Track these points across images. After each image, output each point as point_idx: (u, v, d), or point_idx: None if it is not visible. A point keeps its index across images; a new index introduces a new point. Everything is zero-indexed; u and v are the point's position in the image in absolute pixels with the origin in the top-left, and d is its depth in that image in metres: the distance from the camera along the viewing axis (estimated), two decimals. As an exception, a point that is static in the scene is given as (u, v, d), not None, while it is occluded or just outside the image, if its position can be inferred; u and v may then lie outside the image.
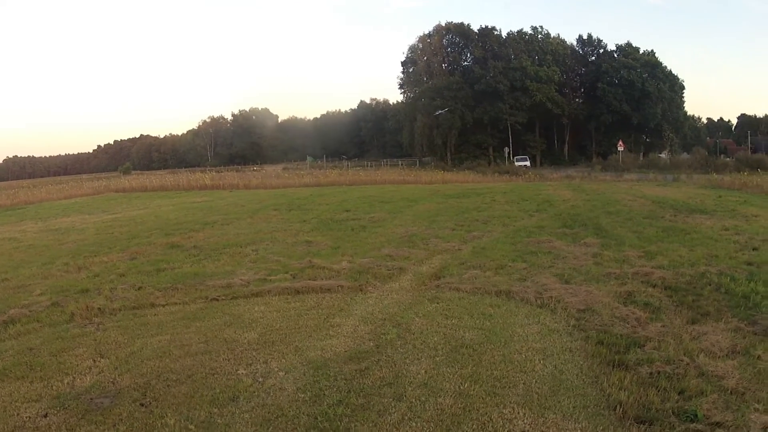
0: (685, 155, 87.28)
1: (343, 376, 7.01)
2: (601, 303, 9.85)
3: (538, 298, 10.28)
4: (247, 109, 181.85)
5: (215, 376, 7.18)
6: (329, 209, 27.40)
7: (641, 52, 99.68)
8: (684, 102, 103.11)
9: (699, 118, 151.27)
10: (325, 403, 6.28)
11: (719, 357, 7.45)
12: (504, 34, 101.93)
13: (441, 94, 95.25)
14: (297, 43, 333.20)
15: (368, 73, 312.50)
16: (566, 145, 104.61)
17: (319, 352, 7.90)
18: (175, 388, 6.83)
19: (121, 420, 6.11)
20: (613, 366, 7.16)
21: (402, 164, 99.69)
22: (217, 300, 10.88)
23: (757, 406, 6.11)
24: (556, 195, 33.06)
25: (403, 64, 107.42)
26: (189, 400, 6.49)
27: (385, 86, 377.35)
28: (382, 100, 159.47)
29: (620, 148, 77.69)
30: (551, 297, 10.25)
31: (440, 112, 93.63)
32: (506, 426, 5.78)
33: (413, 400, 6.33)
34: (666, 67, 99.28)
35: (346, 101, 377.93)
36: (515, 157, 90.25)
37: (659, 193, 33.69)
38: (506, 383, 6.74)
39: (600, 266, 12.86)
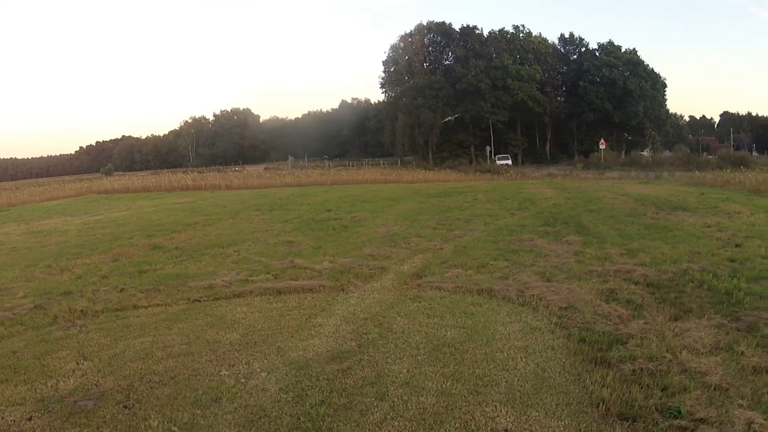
0: (667, 153, 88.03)
1: (325, 376, 7.00)
2: (583, 301, 9.88)
3: (519, 296, 10.29)
4: (229, 110, 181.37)
5: (198, 377, 7.16)
6: (311, 209, 27.40)
7: (623, 50, 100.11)
8: (666, 100, 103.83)
9: (681, 116, 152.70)
10: (308, 404, 6.28)
11: (702, 353, 7.48)
12: (486, 33, 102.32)
13: (422, 93, 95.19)
14: (278, 43, 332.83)
15: (350, 73, 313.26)
16: (548, 144, 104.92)
17: (301, 352, 7.89)
18: (158, 390, 6.81)
19: (105, 422, 6.09)
20: (596, 363, 7.18)
21: (383, 164, 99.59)
22: (199, 301, 10.85)
23: (741, 402, 6.14)
24: (538, 193, 33.17)
25: (385, 63, 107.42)
26: (172, 402, 6.47)
27: (367, 86, 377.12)
28: (363, 99, 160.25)
29: (602, 146, 78.02)
30: (533, 295, 10.27)
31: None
32: (489, 424, 5.78)
33: (395, 400, 6.32)
34: (648, 65, 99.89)
35: (327, 101, 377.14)
36: (497, 156, 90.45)
37: (641, 190, 33.89)
38: (488, 381, 6.74)
39: (582, 264, 12.90)
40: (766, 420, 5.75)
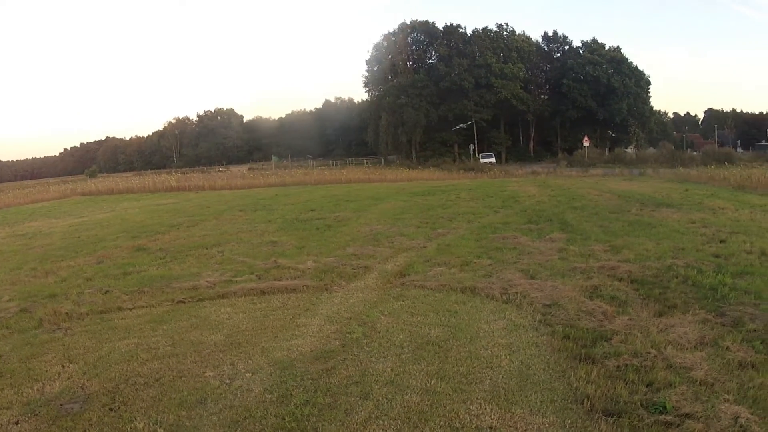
0: (651, 150, 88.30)
1: (309, 376, 7.00)
2: (567, 298, 9.91)
3: (503, 293, 10.31)
4: (213, 110, 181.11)
5: (183, 378, 7.13)
6: (294, 209, 27.40)
7: (607, 48, 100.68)
8: (650, 97, 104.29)
9: (665, 113, 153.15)
10: (293, 403, 6.27)
11: (687, 349, 7.51)
12: (469, 31, 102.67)
13: (406, 92, 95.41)
14: (262, 42, 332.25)
15: (333, 73, 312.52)
16: (532, 142, 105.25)
17: (285, 352, 7.89)
18: (144, 392, 6.78)
19: (91, 425, 6.08)
20: (580, 360, 7.19)
21: (367, 163, 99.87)
22: (184, 302, 10.82)
23: (726, 396, 6.16)
24: (522, 191, 33.30)
25: (368, 62, 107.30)
26: (157, 404, 6.45)
27: (350, 85, 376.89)
28: (347, 98, 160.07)
29: (586, 144, 78.41)
30: (517, 292, 10.29)
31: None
32: (473, 422, 5.79)
33: (380, 398, 6.33)
34: (632, 62, 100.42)
35: (311, 100, 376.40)
36: (480, 154, 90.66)
37: (625, 187, 34.10)
38: (473, 379, 6.75)
39: (565, 261, 12.95)
40: (752, 414, 5.77)
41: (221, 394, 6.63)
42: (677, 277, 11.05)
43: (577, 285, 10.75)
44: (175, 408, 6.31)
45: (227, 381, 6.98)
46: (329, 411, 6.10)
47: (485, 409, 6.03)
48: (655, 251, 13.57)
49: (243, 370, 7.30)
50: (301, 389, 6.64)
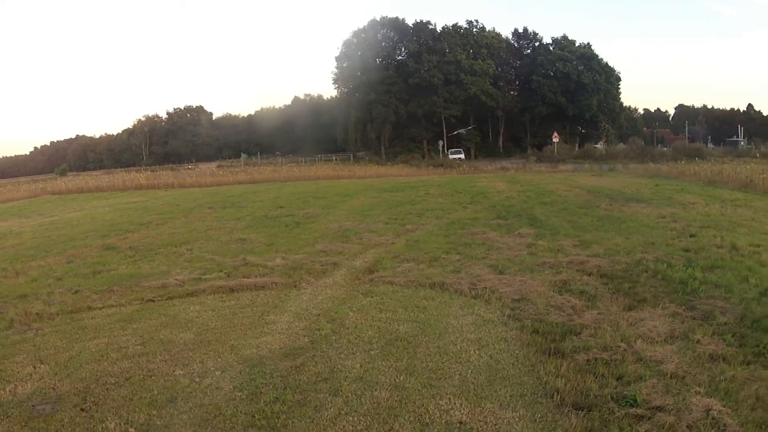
0: (621, 145, 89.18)
1: (278, 373, 6.97)
2: (535, 292, 9.96)
3: (472, 289, 10.34)
4: (182, 107, 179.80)
5: (153, 377, 7.07)
6: (263, 206, 27.26)
7: (577, 45, 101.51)
8: (620, 93, 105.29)
9: (636, 109, 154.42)
10: (262, 401, 6.25)
11: (657, 342, 7.57)
12: (439, 28, 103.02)
13: (375, 89, 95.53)
14: (231, 39, 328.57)
15: (303, 69, 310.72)
16: (501, 138, 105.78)
17: (254, 349, 7.85)
18: (114, 392, 6.71)
19: (63, 426, 6.01)
20: (549, 354, 7.23)
21: (336, 159, 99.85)
22: (153, 301, 10.73)
23: (698, 389, 6.21)
24: (491, 187, 33.47)
25: (338, 59, 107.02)
26: (128, 403, 6.38)
27: (320, 82, 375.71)
28: (316, 95, 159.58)
29: (555, 140, 78.95)
30: (485, 288, 10.32)
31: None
32: (443, 417, 5.79)
33: (349, 395, 6.32)
34: (602, 59, 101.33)
35: (280, 97, 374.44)
36: (450, 150, 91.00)
37: (595, 182, 34.43)
38: (442, 375, 6.76)
39: (534, 256, 13.01)
40: (724, 407, 5.82)
41: (191, 392, 6.58)
42: (647, 272, 11.16)
43: (546, 280, 10.81)
44: (146, 407, 6.26)
45: (197, 379, 6.93)
46: (299, 408, 6.07)
47: (455, 404, 6.04)
48: (624, 246, 13.69)
49: (212, 368, 7.25)
50: (271, 387, 6.61)
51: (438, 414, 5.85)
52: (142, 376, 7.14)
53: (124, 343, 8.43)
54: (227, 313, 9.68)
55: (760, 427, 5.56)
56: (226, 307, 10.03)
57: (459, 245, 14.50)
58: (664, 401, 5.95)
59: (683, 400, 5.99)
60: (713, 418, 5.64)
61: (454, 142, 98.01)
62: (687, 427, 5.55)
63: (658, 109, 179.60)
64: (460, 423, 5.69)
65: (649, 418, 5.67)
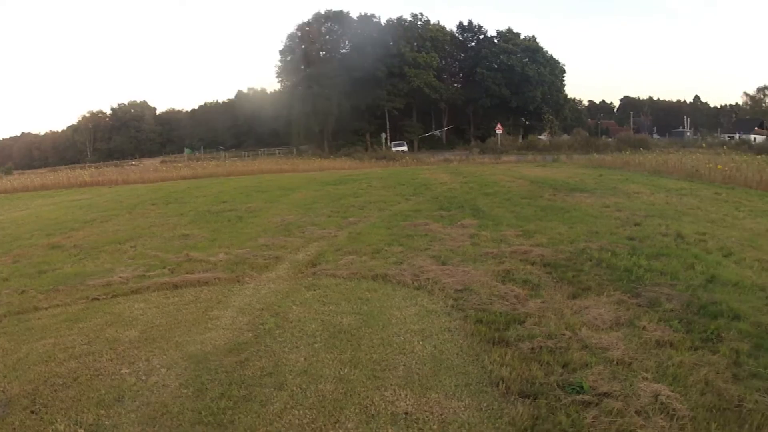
0: (565, 137, 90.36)
1: (224, 369, 6.91)
2: (479, 282, 9.96)
3: (414, 280, 10.31)
4: (126, 103, 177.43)
5: (100, 377, 6.93)
6: (206, 201, 26.93)
7: (522, 37, 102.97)
8: (564, 85, 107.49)
9: (580, 101, 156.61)
10: (208, 397, 6.18)
11: (603, 329, 7.62)
12: (383, 21, 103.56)
13: (318, 82, 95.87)
14: (174, 31, 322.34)
15: (247, 63, 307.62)
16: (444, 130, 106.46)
17: (199, 346, 7.75)
18: (63, 393, 6.56)
19: (14, 429, 5.86)
20: (494, 343, 7.23)
21: (279, 153, 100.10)
22: (98, 299, 10.47)
23: (645, 375, 6.26)
24: (433, 178, 33.59)
25: (281, 52, 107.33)
26: (77, 404, 6.25)
27: (264, 75, 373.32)
28: (259, 89, 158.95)
29: (499, 131, 79.70)
30: (428, 279, 10.30)
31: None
32: (389, 408, 5.79)
33: (294, 389, 6.27)
34: (547, 51, 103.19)
35: (223, 91, 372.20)
36: (393, 143, 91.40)
37: (538, 173, 34.72)
38: (386, 366, 6.75)
39: (477, 246, 13.03)
40: (672, 392, 5.88)
41: (138, 391, 6.47)
42: (591, 260, 11.23)
43: (489, 270, 10.82)
44: (94, 407, 6.14)
45: (143, 377, 6.82)
46: (245, 403, 6.03)
47: (400, 395, 6.03)
48: (568, 235, 13.79)
49: (158, 366, 7.14)
50: (216, 382, 6.54)
51: (383, 405, 5.83)
52: (89, 375, 7.01)
53: (71, 343, 8.25)
54: (171, 309, 9.53)
55: (710, 411, 5.62)
56: (170, 304, 9.87)
57: (401, 237, 14.48)
58: (611, 387, 5.99)
59: (631, 386, 6.02)
60: (662, 403, 5.69)
61: (397, 135, 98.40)
62: (635, 412, 5.59)
63: (603, 101, 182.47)
64: (406, 414, 5.68)
65: (597, 405, 5.70)
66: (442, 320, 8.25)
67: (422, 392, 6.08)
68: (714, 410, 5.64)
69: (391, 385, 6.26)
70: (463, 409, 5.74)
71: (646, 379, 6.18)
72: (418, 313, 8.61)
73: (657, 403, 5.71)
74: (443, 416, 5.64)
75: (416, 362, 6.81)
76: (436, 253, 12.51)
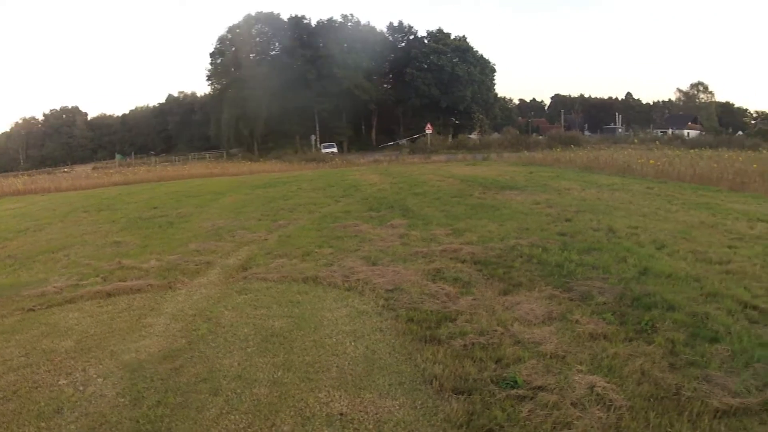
0: (496, 135, 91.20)
1: (159, 377, 6.86)
2: (409, 282, 10.02)
3: (345, 281, 10.34)
4: (58, 108, 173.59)
5: (39, 389, 6.82)
6: (137, 207, 26.48)
7: (453, 37, 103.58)
8: (494, 84, 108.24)
9: (510, 100, 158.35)
10: (145, 405, 6.14)
11: (535, 324, 7.75)
12: (314, 22, 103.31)
13: (248, 85, 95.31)
14: (105, 36, 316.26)
15: (178, 66, 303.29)
16: (374, 130, 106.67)
17: (134, 354, 7.67)
18: (3, 406, 6.44)
19: None
20: (426, 342, 7.30)
21: (209, 157, 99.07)
22: (34, 310, 10.27)
23: (580, 367, 6.39)
24: (363, 179, 33.54)
25: (212, 55, 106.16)
26: (17, 417, 6.15)
27: (194, 79, 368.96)
28: (189, 92, 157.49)
29: (428, 131, 79.99)
30: (359, 279, 10.34)
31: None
32: (323, 410, 5.82)
33: (229, 393, 6.28)
34: (477, 51, 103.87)
35: (154, 95, 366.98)
36: (322, 145, 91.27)
37: (468, 172, 34.92)
38: (319, 368, 6.78)
39: (407, 246, 13.09)
40: (608, 383, 6.01)
41: (76, 401, 6.39)
42: (522, 257, 11.36)
43: (420, 269, 10.89)
44: (34, 420, 6.05)
45: (81, 388, 6.73)
46: (181, 410, 6.00)
47: (334, 396, 6.07)
48: (498, 233, 13.92)
49: (95, 376, 7.05)
50: (153, 390, 6.50)
51: (318, 407, 5.86)
52: (28, 388, 6.89)
53: (9, 355, 8.10)
54: (105, 318, 9.40)
55: (648, 400, 5.77)
56: (104, 313, 9.73)
57: (331, 239, 14.47)
58: (546, 381, 6.10)
59: (565, 378, 6.14)
60: (598, 395, 5.81)
61: (327, 137, 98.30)
62: (571, 404, 5.70)
63: (534, 99, 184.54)
64: (341, 414, 5.72)
65: (532, 398, 5.81)
66: (373, 320, 8.29)
67: (356, 392, 6.11)
68: (651, 399, 5.78)
69: (325, 386, 6.29)
70: (397, 407, 5.78)
71: (581, 371, 6.30)
72: (349, 314, 8.63)
73: (593, 394, 5.82)
74: (378, 416, 5.69)
75: (349, 363, 6.85)
76: (366, 253, 12.54)
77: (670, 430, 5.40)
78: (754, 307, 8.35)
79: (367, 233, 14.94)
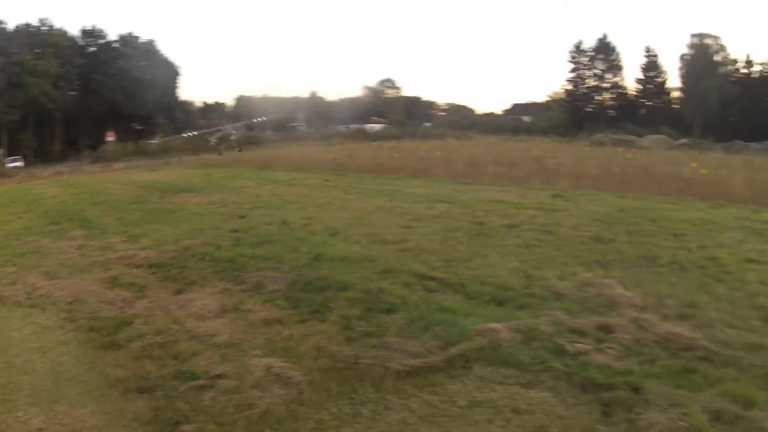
0: (177, 139, 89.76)
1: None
2: (87, 292, 9.81)
3: (28, 298, 9.87)
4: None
5: None
6: None
7: (141, 41, 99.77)
8: (178, 87, 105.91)
9: (192, 103, 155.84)
10: None
11: (209, 318, 8.01)
12: (13, 27, 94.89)
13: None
14: None
15: None
16: (58, 141, 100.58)
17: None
18: None
19: None
20: (107, 348, 7.31)
21: None
22: None
23: (256, 352, 6.73)
24: (45, 193, 31.37)
25: None
26: None
27: None
28: None
29: (110, 139, 77.38)
30: (41, 295, 9.92)
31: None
32: (23, 428, 5.71)
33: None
34: (163, 54, 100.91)
35: None
36: (8, 159, 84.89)
37: (147, 177, 33.84)
38: (13, 388, 6.54)
39: (85, 257, 12.67)
40: (285, 363, 6.38)
41: None
42: (195, 256, 11.47)
43: (97, 278, 10.67)
44: None
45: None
46: None
47: (30, 413, 5.94)
48: (172, 235, 13.84)
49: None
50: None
51: (18, 426, 5.74)
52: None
53: None
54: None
55: (326, 373, 6.21)
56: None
57: (14, 257, 13.49)
58: (224, 369, 6.37)
59: (242, 364, 6.45)
60: (276, 374, 6.15)
61: (13, 149, 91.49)
62: (251, 387, 5.99)
63: (217, 102, 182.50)
64: (39, 430, 5.65)
65: (212, 387, 6.04)
66: (56, 334, 8.10)
67: (50, 407, 6.02)
68: (330, 371, 6.25)
69: (21, 405, 6.13)
70: (89, 415, 5.80)
71: (257, 355, 6.65)
72: (34, 330, 8.35)
73: (271, 375, 6.17)
74: (73, 426, 5.68)
75: (39, 379, 6.69)
76: (47, 268, 11.93)
77: (354, 395, 5.86)
78: (431, 278, 9.23)
79: (48, 248, 14.12)
